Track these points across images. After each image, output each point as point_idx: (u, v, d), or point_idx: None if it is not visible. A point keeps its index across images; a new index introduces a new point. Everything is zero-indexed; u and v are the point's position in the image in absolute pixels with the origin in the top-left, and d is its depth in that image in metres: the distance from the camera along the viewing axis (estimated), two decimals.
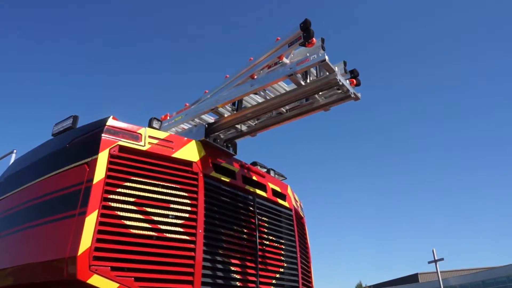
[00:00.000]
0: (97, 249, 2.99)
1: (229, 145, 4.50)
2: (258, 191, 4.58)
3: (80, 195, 3.17)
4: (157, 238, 3.34)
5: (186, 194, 3.67)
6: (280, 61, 4.07)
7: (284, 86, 4.52)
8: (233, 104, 4.64)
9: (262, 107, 4.28)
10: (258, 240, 4.27)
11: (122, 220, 3.21)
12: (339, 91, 4.06)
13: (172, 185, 3.62)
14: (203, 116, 4.85)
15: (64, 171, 3.50)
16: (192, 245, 3.49)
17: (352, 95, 4.02)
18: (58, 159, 3.70)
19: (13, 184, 4.16)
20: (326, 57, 3.62)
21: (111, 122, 3.54)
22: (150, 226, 3.33)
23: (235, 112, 4.52)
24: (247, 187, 4.43)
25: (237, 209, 4.20)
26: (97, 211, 3.09)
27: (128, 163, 3.45)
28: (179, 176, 3.71)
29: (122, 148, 3.46)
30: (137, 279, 3.09)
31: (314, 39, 3.68)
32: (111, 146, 3.40)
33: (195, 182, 3.78)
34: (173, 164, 3.72)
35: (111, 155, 3.36)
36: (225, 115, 4.55)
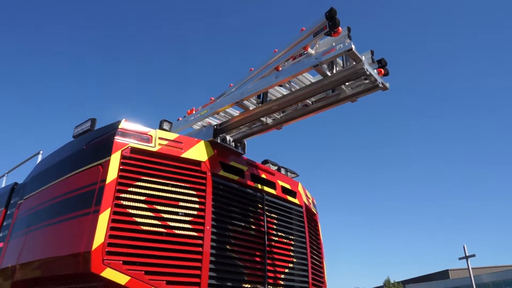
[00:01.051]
0: (110, 244, 3.20)
1: (238, 144, 4.63)
2: (267, 189, 4.69)
3: (94, 194, 3.40)
4: (167, 234, 3.52)
5: (194, 193, 3.84)
6: (305, 52, 4.01)
7: (309, 78, 4.39)
8: (258, 96, 4.54)
9: (288, 99, 4.24)
10: (266, 236, 4.39)
11: (133, 218, 3.41)
12: (367, 81, 3.94)
13: (181, 184, 3.79)
14: (228, 110, 4.85)
15: (81, 171, 3.74)
16: (200, 241, 3.66)
17: (380, 85, 3.90)
18: (76, 161, 3.95)
19: (37, 184, 4.46)
20: (353, 46, 3.52)
21: (123, 125, 3.75)
22: (159, 223, 3.52)
23: (260, 105, 4.50)
24: (256, 185, 4.56)
25: (245, 206, 4.34)
26: (109, 209, 3.30)
27: (139, 163, 3.64)
28: (188, 175, 3.88)
29: (133, 150, 3.66)
30: (147, 273, 3.29)
31: (340, 28, 3.61)
32: (123, 148, 3.61)
33: (203, 181, 3.94)
34: (182, 164, 3.89)
35: (123, 156, 3.57)
36: (250, 108, 4.54)
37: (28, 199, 4.51)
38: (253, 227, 4.33)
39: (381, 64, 4.06)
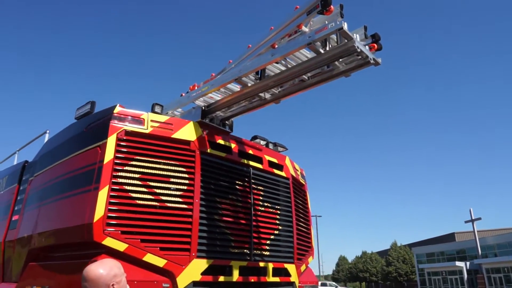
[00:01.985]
0: (109, 217, 3.65)
1: (226, 123, 4.98)
2: (254, 164, 5.08)
3: (94, 173, 3.83)
4: (159, 207, 3.97)
5: (184, 169, 4.26)
6: (300, 30, 4.12)
7: (305, 53, 4.50)
8: (257, 73, 4.65)
9: (284, 76, 4.40)
10: (253, 207, 4.82)
11: (129, 193, 3.85)
12: (359, 57, 4.07)
13: (172, 162, 4.20)
14: (229, 86, 4.96)
15: (82, 152, 4.17)
16: (189, 212, 4.11)
17: (372, 61, 4.04)
18: (78, 142, 4.37)
19: (45, 162, 4.92)
20: (344, 25, 3.64)
21: (118, 109, 4.12)
22: (153, 197, 3.96)
23: (258, 81, 4.67)
24: (243, 160, 4.94)
25: (232, 180, 4.75)
26: (108, 186, 3.74)
27: (133, 144, 4.04)
28: (178, 154, 4.28)
29: (127, 132, 4.05)
30: (142, 241, 3.76)
31: (332, 6, 3.72)
32: (118, 131, 4.00)
33: (192, 159, 4.34)
34: (172, 143, 4.28)
35: (118, 139, 3.97)
36: (249, 84, 4.73)
37: (38, 176, 4.98)
38: (240, 198, 4.75)
39: (374, 39, 4.14)
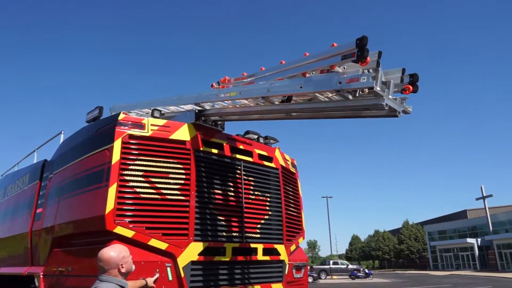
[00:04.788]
0: (118, 209, 4.32)
1: (218, 123, 5.59)
2: (245, 157, 5.68)
3: (104, 172, 4.50)
4: (161, 199, 4.64)
5: (181, 166, 4.90)
6: (333, 70, 4.05)
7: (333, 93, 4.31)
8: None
9: (309, 108, 4.58)
10: (244, 196, 5.46)
11: (135, 188, 4.52)
12: (387, 108, 3.86)
13: (170, 160, 4.84)
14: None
15: (94, 154, 4.84)
16: (187, 203, 4.77)
17: (400, 114, 3.98)
18: (89, 145, 5.04)
19: (62, 162, 5.63)
20: (375, 86, 3.51)
21: (122, 116, 4.76)
22: (155, 191, 4.62)
23: (284, 102, 4.78)
24: (234, 155, 5.56)
25: (224, 173, 5.37)
26: (116, 183, 4.40)
27: (136, 146, 4.68)
28: (175, 152, 4.90)
29: (131, 136, 4.68)
30: (147, 228, 4.43)
31: (368, 58, 3.54)
32: (123, 135, 4.63)
33: (188, 156, 4.97)
34: (170, 144, 4.90)
35: (123, 142, 4.61)
36: (276, 103, 4.90)
37: (57, 174, 5.71)
38: (232, 189, 5.38)
39: (412, 79, 4.00)
